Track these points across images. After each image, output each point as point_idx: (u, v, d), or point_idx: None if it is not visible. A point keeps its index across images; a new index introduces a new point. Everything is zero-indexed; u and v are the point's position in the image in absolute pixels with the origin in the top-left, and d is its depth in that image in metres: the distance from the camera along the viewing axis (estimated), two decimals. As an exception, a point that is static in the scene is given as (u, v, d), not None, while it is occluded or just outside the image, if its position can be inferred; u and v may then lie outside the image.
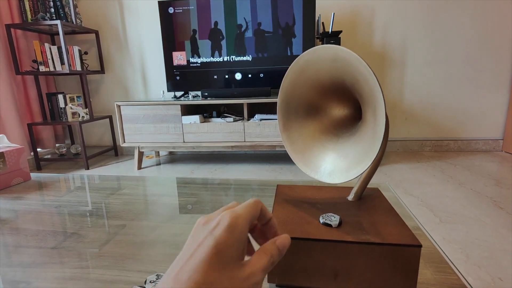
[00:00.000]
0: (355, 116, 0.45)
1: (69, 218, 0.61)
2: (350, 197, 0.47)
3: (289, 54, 2.14)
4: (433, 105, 2.42)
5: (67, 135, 2.81)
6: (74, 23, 2.31)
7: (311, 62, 0.40)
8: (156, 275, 0.42)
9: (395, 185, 1.75)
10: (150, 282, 0.40)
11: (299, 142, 0.45)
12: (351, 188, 0.52)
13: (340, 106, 0.45)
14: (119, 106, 2.14)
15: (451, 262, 0.42)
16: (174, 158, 2.59)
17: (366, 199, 0.47)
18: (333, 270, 0.36)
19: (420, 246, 0.34)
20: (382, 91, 0.32)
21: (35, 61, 2.31)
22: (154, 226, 0.57)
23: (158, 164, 2.43)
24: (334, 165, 0.41)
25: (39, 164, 2.37)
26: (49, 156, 2.48)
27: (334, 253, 0.36)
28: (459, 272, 0.93)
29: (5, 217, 0.63)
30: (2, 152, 0.79)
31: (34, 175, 0.90)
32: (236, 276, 0.20)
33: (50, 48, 2.28)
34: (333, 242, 0.36)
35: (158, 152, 2.67)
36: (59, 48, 2.27)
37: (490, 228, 1.22)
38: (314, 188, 0.52)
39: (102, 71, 2.56)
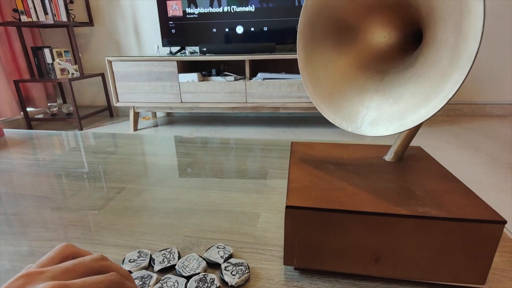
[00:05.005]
0: (405, 46, 0.33)
1: (40, 180, 0.51)
2: (389, 157, 0.36)
3: (296, 4, 1.92)
4: (450, 66, 2.23)
5: (59, 94, 2.66)
6: (56, -35, 2.05)
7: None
8: (138, 252, 0.32)
9: (405, 150, 1.65)
10: (129, 261, 0.31)
11: (326, 81, 0.33)
12: (386, 146, 0.41)
13: (387, 30, 0.32)
14: (110, 62, 1.97)
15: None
16: (172, 119, 2.47)
17: (409, 160, 0.37)
18: (374, 252, 0.27)
19: (505, 222, 0.24)
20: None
21: (15, 10, 2.09)
22: (140, 189, 0.47)
23: (156, 125, 2.31)
24: (379, 111, 0.29)
25: (30, 124, 2.25)
26: (41, 116, 2.36)
27: (377, 230, 0.26)
28: None
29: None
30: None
31: (8, 131, 0.79)
32: None
33: (30, -5, 2.04)
34: (377, 216, 0.26)
35: (155, 113, 2.54)
36: (41, -5, 2.04)
37: (509, 194, 1.14)
38: (338, 146, 0.42)
39: (90, 23, 2.34)
